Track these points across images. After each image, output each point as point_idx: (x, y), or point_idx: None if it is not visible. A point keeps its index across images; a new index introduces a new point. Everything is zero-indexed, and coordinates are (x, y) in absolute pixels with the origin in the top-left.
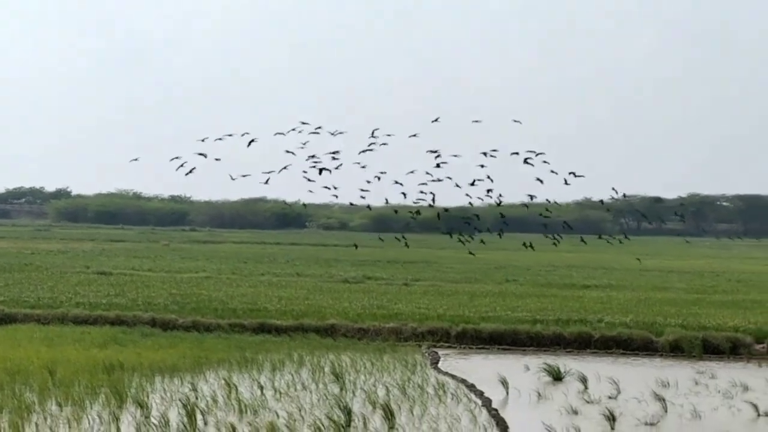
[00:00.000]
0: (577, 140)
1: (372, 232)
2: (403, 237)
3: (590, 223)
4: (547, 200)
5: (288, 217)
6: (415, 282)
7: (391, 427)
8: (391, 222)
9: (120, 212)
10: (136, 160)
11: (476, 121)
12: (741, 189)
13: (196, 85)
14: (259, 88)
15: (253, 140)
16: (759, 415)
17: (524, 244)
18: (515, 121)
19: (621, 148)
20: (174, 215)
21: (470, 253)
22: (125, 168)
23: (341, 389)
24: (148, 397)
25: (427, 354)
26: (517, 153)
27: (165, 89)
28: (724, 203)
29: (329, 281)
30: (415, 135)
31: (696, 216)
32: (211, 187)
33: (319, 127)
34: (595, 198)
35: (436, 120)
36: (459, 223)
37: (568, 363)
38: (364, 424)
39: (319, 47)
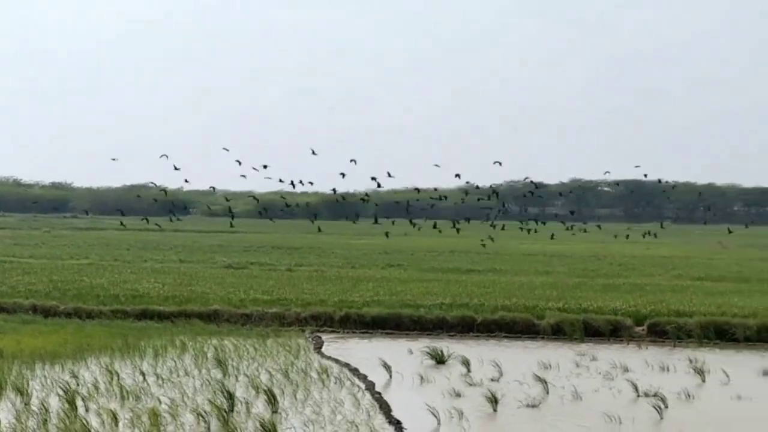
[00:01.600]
0: (466, 124)
1: (257, 218)
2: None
3: (474, 209)
4: (434, 189)
5: (171, 204)
6: (299, 267)
7: (275, 412)
8: (275, 208)
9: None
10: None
11: None
12: (621, 174)
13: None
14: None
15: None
16: (639, 395)
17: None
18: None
19: (507, 136)
20: (55, 202)
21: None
22: (5, 155)
23: (224, 374)
24: (28, 384)
25: (310, 339)
26: None
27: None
28: (606, 188)
29: (213, 267)
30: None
31: (578, 201)
32: (91, 173)
33: None
34: (481, 184)
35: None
36: (348, 209)
37: (451, 346)
38: (247, 408)
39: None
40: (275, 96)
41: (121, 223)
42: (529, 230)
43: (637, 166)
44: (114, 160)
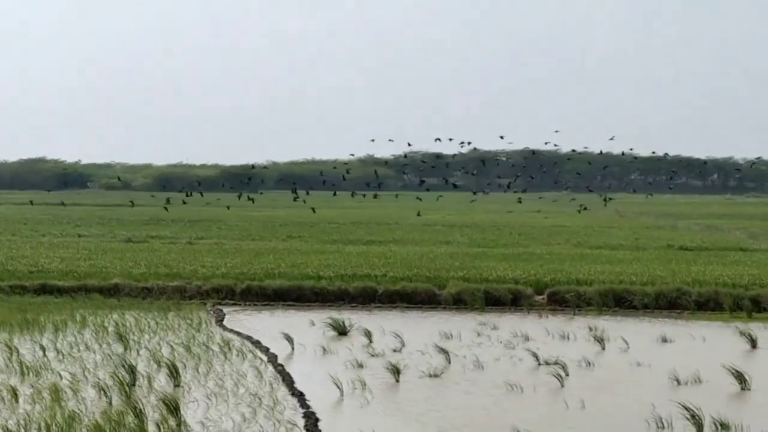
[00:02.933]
0: (359, 93)
1: (155, 191)
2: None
3: (373, 180)
4: (334, 160)
5: (68, 178)
6: (200, 240)
7: (177, 385)
8: (174, 181)
9: None
10: None
11: None
12: (521, 143)
13: None
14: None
15: None
16: (539, 363)
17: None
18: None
19: (402, 101)
20: None
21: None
22: None
23: (125, 349)
24: None
25: (212, 312)
26: None
27: None
28: (504, 158)
29: (112, 241)
30: None
31: (477, 171)
32: None
33: None
34: (378, 155)
35: None
36: (240, 181)
37: (353, 318)
38: (149, 382)
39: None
40: (177, 69)
41: (31, 202)
42: (421, 199)
43: (556, 131)
44: None
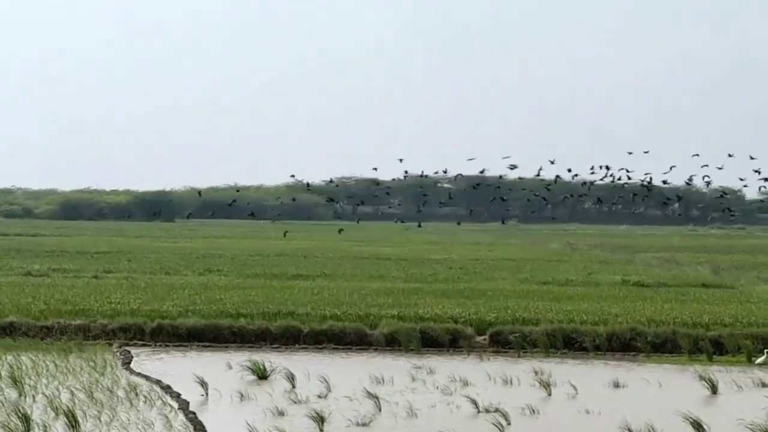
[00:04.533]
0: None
1: (60, 219)
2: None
3: (302, 208)
4: (259, 186)
5: None
6: (107, 274)
7: None
8: (82, 208)
9: None
10: None
11: None
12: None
13: None
14: None
15: None
16: (479, 411)
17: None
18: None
19: (343, 130)
20: None
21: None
22: None
23: (20, 395)
24: None
25: (118, 353)
26: None
27: None
28: (446, 184)
29: (9, 274)
30: None
31: (416, 199)
32: None
33: None
34: (308, 180)
35: None
36: (155, 207)
37: (274, 360)
38: None
39: None
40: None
41: None
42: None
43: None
44: None
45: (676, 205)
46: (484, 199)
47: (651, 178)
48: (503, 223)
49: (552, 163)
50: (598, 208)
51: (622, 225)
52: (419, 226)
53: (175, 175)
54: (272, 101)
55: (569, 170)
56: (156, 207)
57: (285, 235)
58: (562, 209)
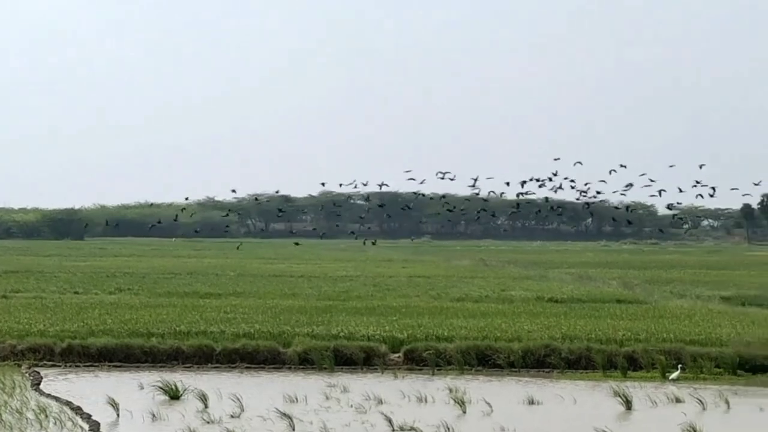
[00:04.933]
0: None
1: None
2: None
3: (214, 225)
4: (170, 204)
5: None
6: (16, 294)
7: None
8: None
9: None
10: None
11: None
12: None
13: None
14: None
15: None
16: (393, 429)
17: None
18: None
19: (255, 146)
20: None
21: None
22: None
23: None
24: None
25: (27, 374)
26: None
27: None
28: (359, 201)
29: None
30: None
31: (328, 215)
32: None
33: None
34: (219, 198)
35: None
36: (65, 225)
37: (187, 379)
38: None
39: None
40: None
41: None
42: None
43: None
44: None
45: (589, 220)
46: (398, 215)
47: (589, 189)
48: (411, 240)
49: (475, 181)
50: (512, 224)
51: (535, 241)
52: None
53: (84, 193)
54: (183, 118)
55: (507, 183)
56: (65, 225)
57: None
58: (475, 225)
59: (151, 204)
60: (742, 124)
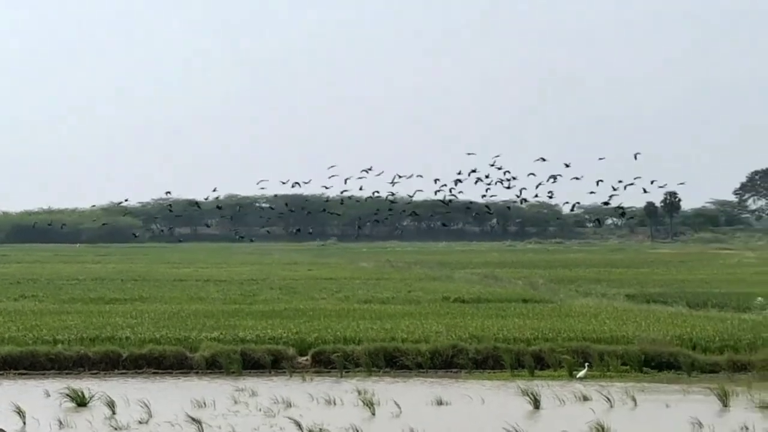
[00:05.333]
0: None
1: None
2: None
3: (118, 230)
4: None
5: None
6: None
7: None
8: None
9: None
10: None
11: None
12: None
13: None
14: None
15: None
16: None
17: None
18: None
19: (158, 148)
20: None
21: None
22: None
23: None
24: None
25: None
26: None
27: None
28: (264, 204)
29: None
30: None
31: (235, 219)
32: None
33: None
34: (125, 202)
35: None
36: None
37: (94, 386)
38: None
39: None
40: None
41: None
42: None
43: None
44: None
45: (494, 220)
46: (305, 218)
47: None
48: (313, 237)
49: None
50: (417, 225)
51: (440, 242)
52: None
53: None
54: (86, 122)
55: (436, 180)
56: None
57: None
58: (381, 227)
59: (53, 210)
60: (646, 123)
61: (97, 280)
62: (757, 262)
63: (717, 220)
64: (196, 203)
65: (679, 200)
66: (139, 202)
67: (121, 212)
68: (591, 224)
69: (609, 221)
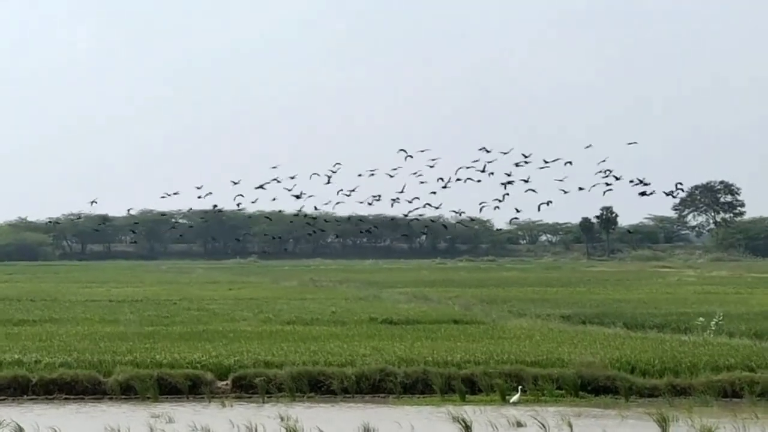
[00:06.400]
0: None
1: None
2: None
3: (27, 247)
4: None
5: None
6: None
7: None
8: None
9: None
10: None
11: None
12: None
13: None
14: None
15: None
16: None
17: None
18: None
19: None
20: None
21: None
22: None
23: None
24: None
25: None
26: None
27: None
28: (182, 220)
29: None
30: None
31: (149, 236)
32: None
33: None
34: (33, 218)
35: None
36: None
37: (1, 413)
38: None
39: None
40: None
41: None
42: None
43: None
44: None
45: (424, 237)
46: (223, 234)
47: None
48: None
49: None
50: (342, 242)
51: (367, 259)
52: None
53: None
54: None
55: (395, 200)
56: None
57: None
58: (305, 244)
59: None
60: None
61: (5, 300)
62: (698, 281)
63: (655, 236)
64: (107, 219)
65: (616, 216)
66: (49, 218)
67: (29, 229)
68: (524, 241)
69: (543, 237)
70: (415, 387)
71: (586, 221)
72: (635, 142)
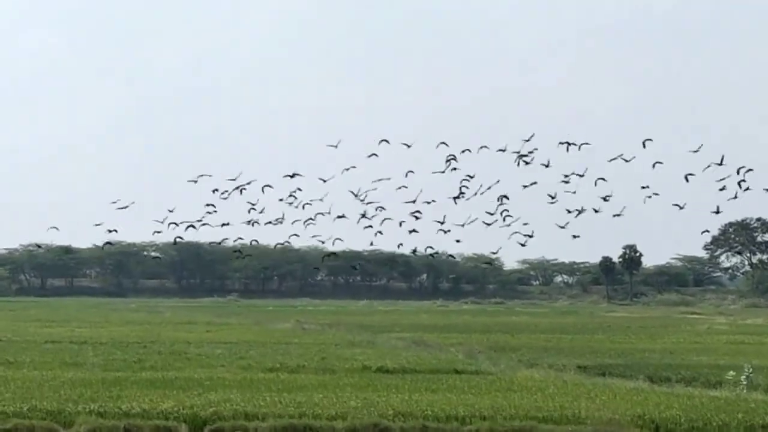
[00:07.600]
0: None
1: None
2: None
3: None
4: None
5: None
6: None
7: None
8: None
9: None
10: None
11: None
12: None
13: None
14: None
15: None
16: None
17: None
18: None
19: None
20: None
21: None
22: None
23: None
24: None
25: None
26: None
27: None
28: (153, 253)
29: None
30: None
31: (117, 270)
32: None
33: None
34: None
35: None
36: None
37: None
38: None
39: None
40: None
41: None
42: None
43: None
44: None
45: (424, 275)
46: (200, 269)
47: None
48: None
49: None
50: (333, 279)
51: (361, 300)
52: None
53: None
54: None
55: (380, 233)
56: None
57: None
58: (291, 281)
59: None
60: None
61: None
62: (730, 329)
63: (684, 278)
64: (69, 251)
65: (640, 255)
66: (5, 249)
67: None
68: (537, 282)
69: (558, 278)
70: None
71: (606, 261)
72: (660, 162)
